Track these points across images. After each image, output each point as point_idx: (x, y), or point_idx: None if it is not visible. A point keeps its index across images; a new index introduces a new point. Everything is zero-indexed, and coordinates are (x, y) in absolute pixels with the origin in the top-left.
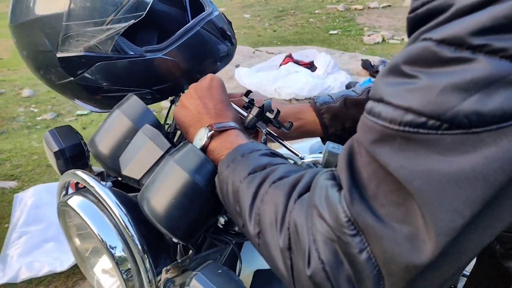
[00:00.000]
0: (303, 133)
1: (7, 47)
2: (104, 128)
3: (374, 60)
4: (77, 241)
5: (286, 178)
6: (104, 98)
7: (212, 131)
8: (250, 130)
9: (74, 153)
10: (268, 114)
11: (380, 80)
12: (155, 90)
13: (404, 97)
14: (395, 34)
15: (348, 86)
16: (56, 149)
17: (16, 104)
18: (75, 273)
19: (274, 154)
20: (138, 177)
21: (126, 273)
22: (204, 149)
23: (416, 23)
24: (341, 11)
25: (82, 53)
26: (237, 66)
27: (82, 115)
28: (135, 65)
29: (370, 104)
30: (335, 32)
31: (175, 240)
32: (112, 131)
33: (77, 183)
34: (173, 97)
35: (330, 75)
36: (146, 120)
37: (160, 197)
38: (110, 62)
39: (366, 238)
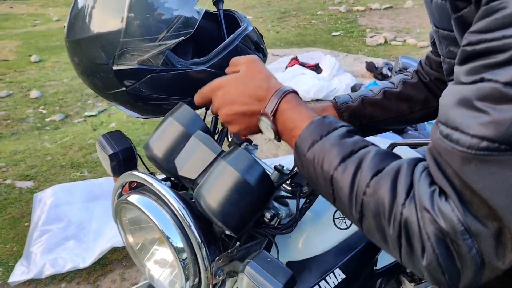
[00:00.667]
0: None
1: (12, 49)
2: (158, 133)
3: (378, 62)
4: (129, 236)
5: (384, 171)
6: (146, 105)
7: (270, 118)
8: None
9: (126, 156)
10: None
11: (451, 110)
12: None
13: (479, 128)
14: (397, 36)
15: (353, 88)
16: (111, 152)
17: (24, 105)
18: (96, 269)
19: (350, 133)
20: (193, 177)
21: (183, 262)
22: (279, 136)
23: (473, 56)
24: (343, 13)
25: (136, 66)
26: None
27: (90, 116)
28: (181, 76)
29: (446, 130)
30: (338, 33)
31: (227, 232)
32: (166, 136)
33: (130, 184)
34: None
35: (335, 77)
36: (196, 126)
37: (215, 194)
38: (160, 74)
39: (475, 239)
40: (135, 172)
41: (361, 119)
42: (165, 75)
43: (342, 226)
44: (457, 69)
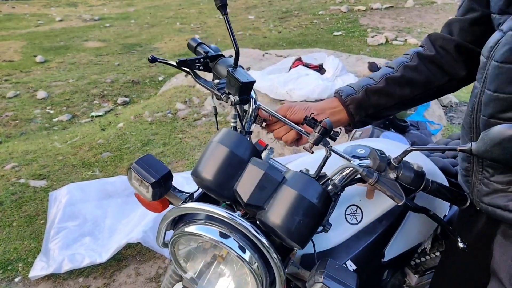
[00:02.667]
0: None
1: (17, 49)
2: (206, 159)
3: (380, 62)
4: (185, 262)
5: None
6: None
7: None
8: (315, 145)
9: (165, 181)
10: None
11: None
12: None
13: None
14: (398, 35)
15: None
16: (153, 180)
17: (31, 106)
18: (111, 265)
19: None
20: (261, 204)
21: (256, 275)
22: None
23: None
24: (344, 12)
25: None
26: (248, 68)
27: (97, 116)
28: None
29: None
30: (339, 33)
31: (296, 248)
32: (217, 162)
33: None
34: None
35: (338, 77)
36: (244, 148)
37: (285, 217)
38: None
39: None
40: (192, 205)
41: (367, 109)
42: None
43: (353, 222)
44: None
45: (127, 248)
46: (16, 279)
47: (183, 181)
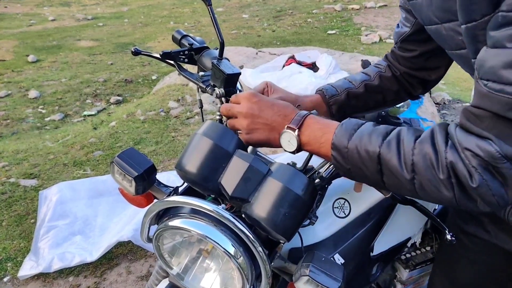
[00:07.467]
0: None
1: (9, 49)
2: (190, 152)
3: (374, 60)
4: (170, 255)
5: (421, 135)
6: None
7: (296, 131)
8: None
9: (148, 175)
10: None
11: (503, 71)
12: None
13: None
14: (392, 34)
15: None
16: (136, 174)
17: (23, 105)
18: (102, 263)
19: (376, 124)
20: (246, 197)
21: (241, 269)
22: (299, 147)
23: None
24: (338, 11)
25: None
26: (241, 67)
27: (89, 115)
28: None
29: (498, 86)
30: (333, 32)
31: (282, 241)
32: (201, 155)
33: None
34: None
35: (331, 75)
36: (229, 140)
37: (268, 207)
38: None
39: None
40: (176, 198)
41: (346, 110)
42: None
43: (340, 215)
44: (496, 33)
45: (118, 247)
46: (5, 279)
47: (175, 180)
